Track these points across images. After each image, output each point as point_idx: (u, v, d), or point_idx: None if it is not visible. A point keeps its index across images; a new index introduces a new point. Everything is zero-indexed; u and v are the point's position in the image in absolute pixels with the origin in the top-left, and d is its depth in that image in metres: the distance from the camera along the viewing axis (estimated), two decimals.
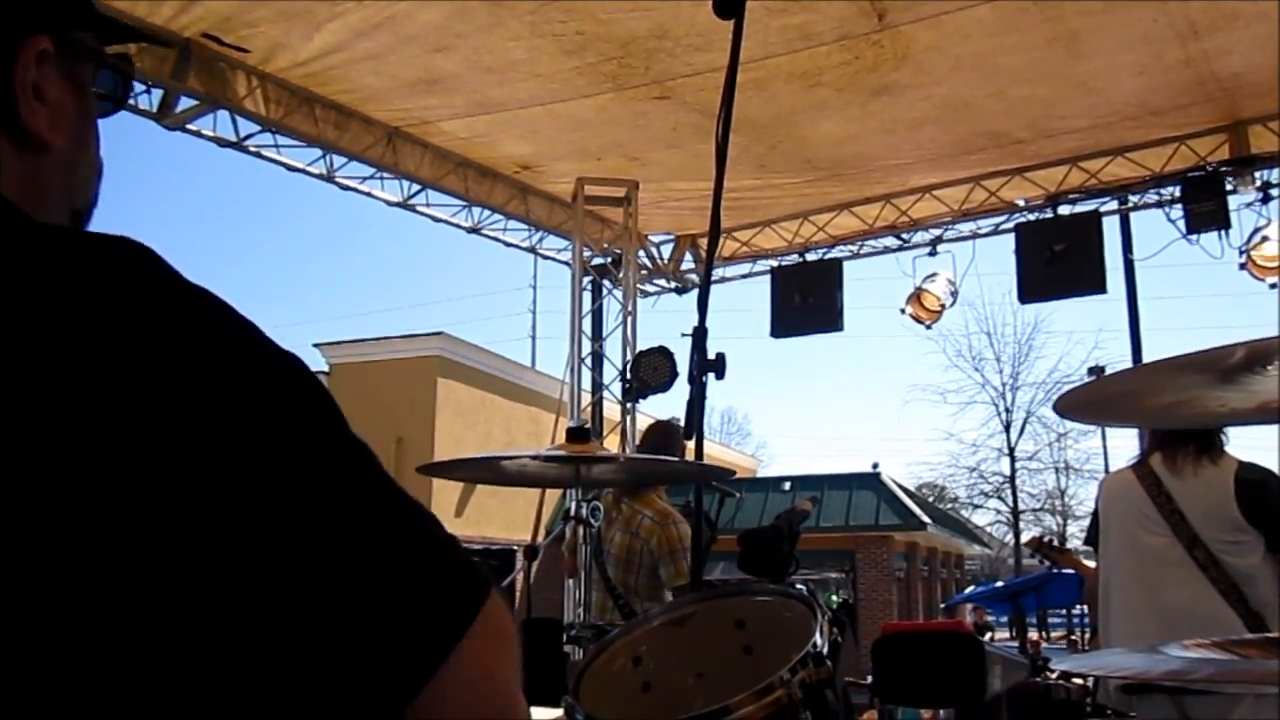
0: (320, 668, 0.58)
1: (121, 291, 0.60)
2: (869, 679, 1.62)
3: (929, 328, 7.49)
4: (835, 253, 7.50)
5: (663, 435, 4.03)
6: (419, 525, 0.64)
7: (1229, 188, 6.10)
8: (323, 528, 0.59)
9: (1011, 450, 26.50)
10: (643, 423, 7.40)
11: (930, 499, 26.92)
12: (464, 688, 0.61)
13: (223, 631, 0.56)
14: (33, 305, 0.58)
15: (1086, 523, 4.03)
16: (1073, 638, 11.64)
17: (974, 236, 7.19)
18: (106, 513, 0.55)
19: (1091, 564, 3.80)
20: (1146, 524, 3.23)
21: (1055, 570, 4.40)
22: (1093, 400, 1.42)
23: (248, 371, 0.62)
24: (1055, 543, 4.36)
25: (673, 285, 8.20)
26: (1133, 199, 6.62)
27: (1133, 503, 3.28)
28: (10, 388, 0.55)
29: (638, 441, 7.25)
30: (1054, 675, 2.29)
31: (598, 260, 7.67)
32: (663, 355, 5.62)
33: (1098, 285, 6.35)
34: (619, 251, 7.41)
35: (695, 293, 3.97)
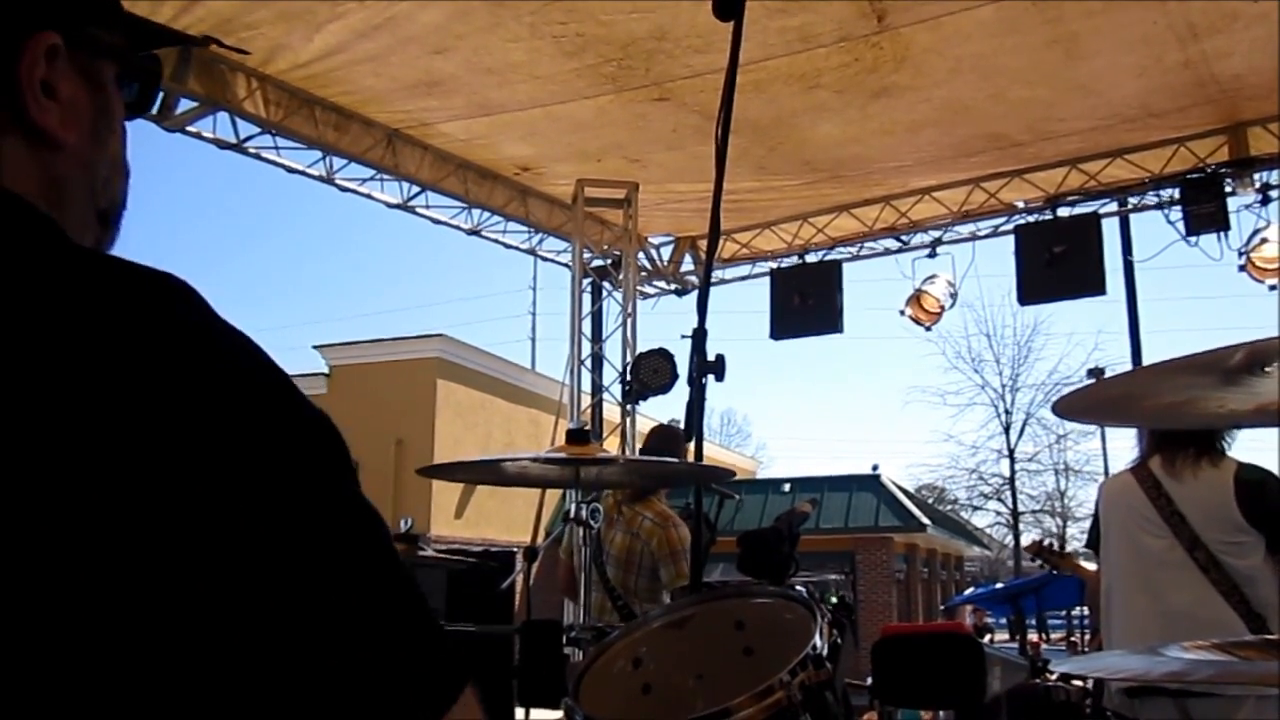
0: None
1: (157, 329, 0.59)
2: (869, 681, 1.62)
3: (929, 329, 7.50)
4: (835, 254, 7.50)
5: (665, 439, 4.04)
6: (413, 603, 0.63)
7: (1228, 189, 6.11)
8: (318, 589, 0.58)
9: (1011, 452, 26.54)
10: (643, 424, 7.41)
11: (930, 501, 26.93)
12: None
13: (200, 690, 0.55)
14: (63, 335, 0.57)
15: (1086, 525, 4.02)
16: (1072, 639, 11.63)
17: (973, 238, 7.19)
18: (103, 561, 0.54)
19: (1092, 567, 3.79)
20: (1147, 526, 3.23)
21: (1055, 573, 4.40)
22: (1092, 401, 1.42)
23: (273, 425, 0.61)
24: (1055, 547, 4.34)
25: (672, 287, 8.20)
26: (1132, 201, 6.62)
27: (1132, 506, 3.28)
28: (31, 417, 0.54)
29: (639, 444, 7.26)
30: (1053, 677, 2.29)
31: (598, 262, 7.67)
32: (663, 357, 5.62)
33: (1097, 287, 6.36)
34: (619, 253, 7.41)
35: (695, 294, 3.97)
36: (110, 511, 0.54)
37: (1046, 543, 4.36)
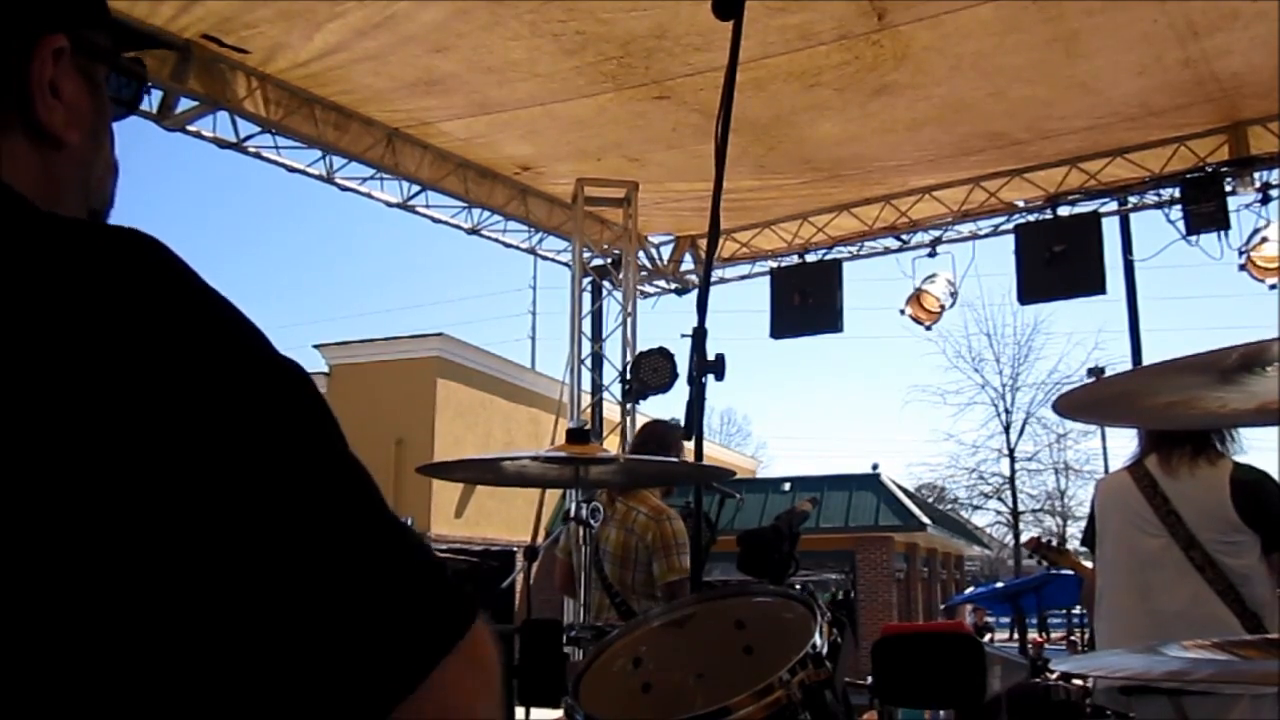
0: (291, 682, 0.57)
1: (128, 282, 0.60)
2: (869, 680, 1.62)
3: (929, 329, 7.50)
4: (835, 253, 7.50)
5: (653, 436, 4.02)
6: (405, 546, 0.63)
7: (1228, 189, 6.10)
8: (306, 540, 0.59)
9: (1011, 451, 26.53)
10: (642, 424, 7.42)
11: (930, 500, 26.91)
12: (438, 714, 0.60)
13: (193, 640, 0.56)
14: (38, 294, 0.58)
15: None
16: (1072, 638, 11.64)
17: (973, 237, 7.19)
18: (92, 510, 0.54)
19: (1090, 564, 3.80)
20: (1143, 525, 3.23)
21: (1054, 571, 4.40)
22: (1092, 401, 1.42)
23: (248, 376, 0.61)
24: (1054, 543, 4.35)
25: (672, 286, 8.20)
26: (1132, 200, 6.62)
27: (1129, 504, 3.28)
28: (9, 377, 0.55)
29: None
30: (1053, 676, 2.29)
31: (597, 261, 7.67)
32: (663, 356, 5.62)
33: (1097, 286, 6.36)
34: (619, 252, 7.41)
35: (695, 293, 3.97)
36: (91, 472, 0.55)
37: (1045, 539, 4.36)
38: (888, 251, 7.45)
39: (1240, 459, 3.20)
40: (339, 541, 0.60)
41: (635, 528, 3.71)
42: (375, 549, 0.62)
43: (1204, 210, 6.09)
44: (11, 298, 0.57)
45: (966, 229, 7.14)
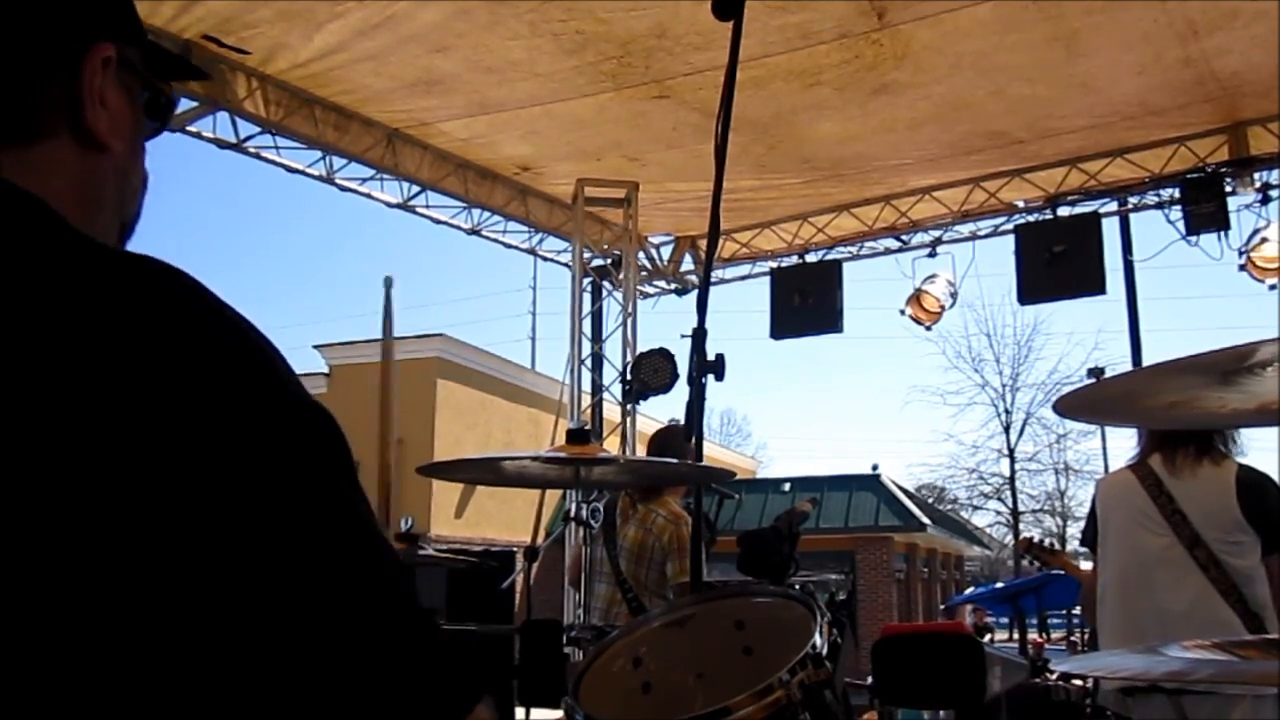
0: None
1: (156, 316, 0.60)
2: (869, 680, 1.62)
3: (929, 329, 7.50)
4: (835, 254, 7.50)
5: (673, 438, 4.06)
6: (410, 621, 0.62)
7: (1228, 189, 6.10)
8: (305, 603, 0.58)
9: (1011, 451, 26.50)
10: (643, 424, 7.42)
11: (930, 500, 26.91)
12: None
13: (177, 680, 0.55)
14: (65, 324, 0.58)
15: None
16: (1072, 639, 11.63)
17: (973, 238, 7.19)
18: (99, 533, 0.54)
19: (1086, 566, 3.79)
20: (1147, 524, 3.23)
21: (1048, 572, 4.39)
22: (1093, 401, 1.42)
23: (269, 421, 0.61)
24: (1049, 544, 4.33)
25: (672, 286, 8.20)
26: (1132, 200, 6.62)
27: (1132, 503, 3.28)
28: (37, 402, 0.55)
29: (640, 444, 7.26)
30: (1053, 676, 2.29)
31: (598, 262, 7.67)
32: (663, 357, 5.62)
33: (1097, 286, 6.36)
34: (619, 253, 7.41)
35: (695, 294, 3.97)
36: (103, 500, 0.54)
37: (1037, 539, 4.35)
38: (888, 252, 7.45)
39: (1242, 461, 3.20)
40: (339, 608, 0.59)
41: (654, 528, 3.84)
42: (376, 619, 0.60)
43: (1204, 210, 6.09)
44: (40, 325, 0.58)
45: (966, 229, 7.14)
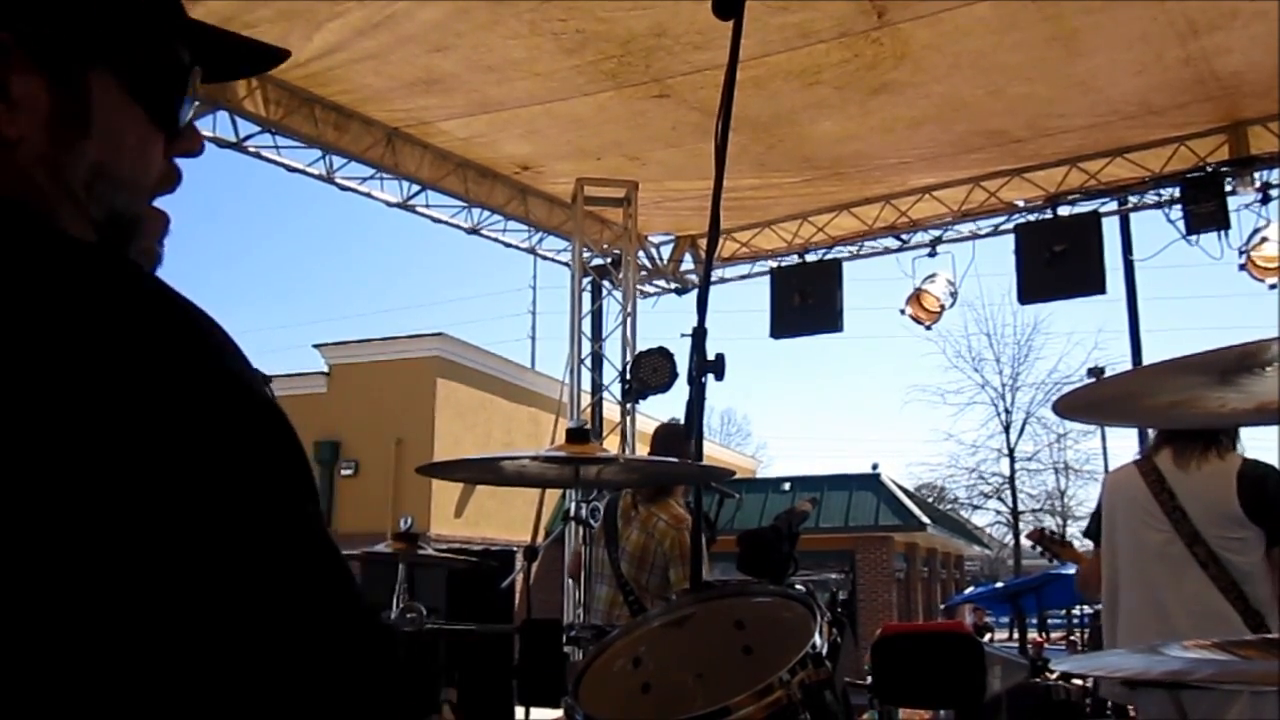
0: None
1: (117, 309, 0.59)
2: (869, 680, 1.62)
3: (929, 328, 7.49)
4: (835, 253, 7.50)
5: (675, 434, 4.05)
6: (362, 634, 0.61)
7: (1229, 188, 6.10)
8: (262, 628, 0.56)
9: (1011, 451, 26.50)
10: (642, 423, 7.42)
11: (930, 500, 26.90)
12: None
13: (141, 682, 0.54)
14: (27, 316, 0.57)
15: (1086, 524, 4.02)
16: (1072, 638, 11.64)
17: (973, 237, 7.19)
18: (59, 533, 0.53)
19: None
20: (1148, 520, 3.23)
21: (1055, 570, 4.39)
22: (1092, 401, 1.42)
23: (225, 428, 0.60)
24: (1057, 536, 4.33)
25: (672, 286, 8.20)
26: (1132, 200, 6.62)
27: (1135, 499, 3.28)
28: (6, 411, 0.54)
29: (640, 443, 7.26)
30: (1053, 676, 2.29)
31: (597, 261, 7.67)
32: (662, 356, 5.62)
33: (1097, 286, 6.35)
34: (618, 252, 7.41)
35: (695, 293, 3.97)
36: (68, 506, 0.54)
37: (1048, 531, 4.34)
38: (888, 251, 7.45)
39: (1248, 456, 3.20)
40: (281, 618, 0.58)
41: (655, 533, 3.81)
42: (326, 632, 0.59)
43: (1204, 210, 6.09)
44: (16, 330, 0.57)
45: (966, 229, 7.14)
